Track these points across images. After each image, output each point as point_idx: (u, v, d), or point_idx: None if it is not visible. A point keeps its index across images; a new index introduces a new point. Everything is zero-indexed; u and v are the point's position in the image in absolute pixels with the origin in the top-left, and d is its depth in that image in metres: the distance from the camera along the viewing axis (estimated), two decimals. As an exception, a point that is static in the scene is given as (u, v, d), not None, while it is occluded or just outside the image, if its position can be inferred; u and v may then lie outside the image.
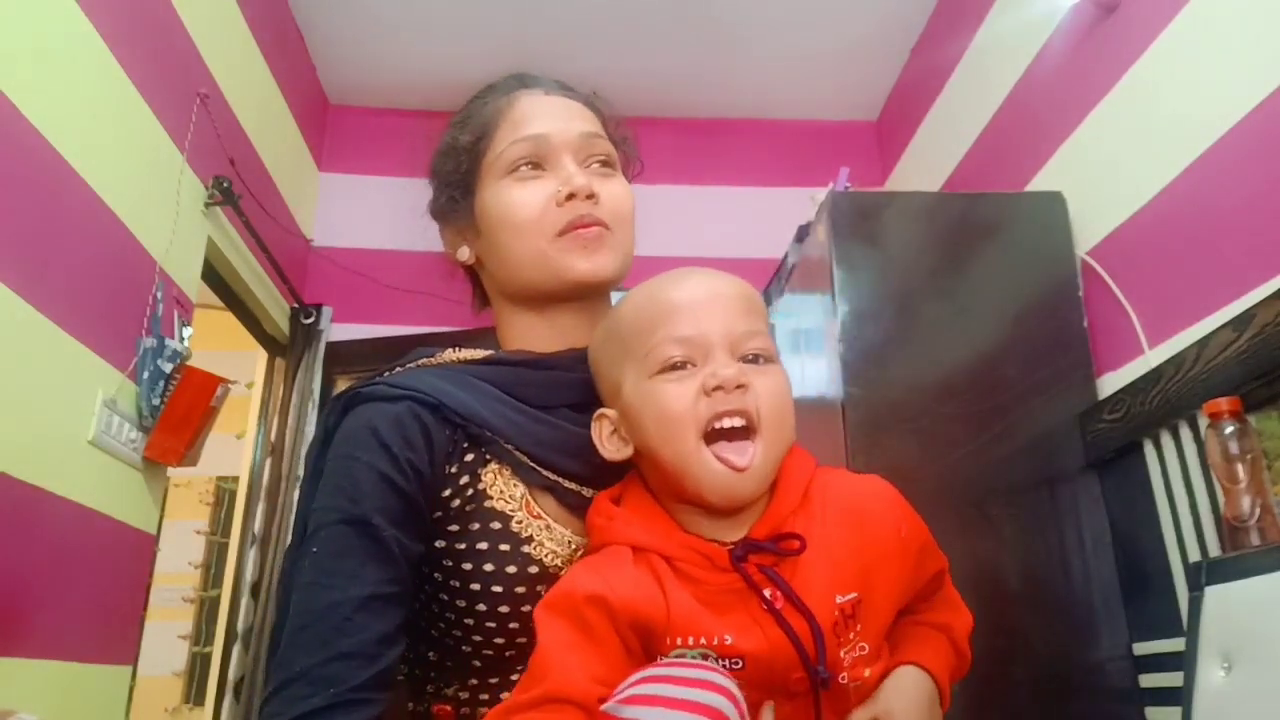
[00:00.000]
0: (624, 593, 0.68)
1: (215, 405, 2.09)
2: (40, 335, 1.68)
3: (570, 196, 0.85)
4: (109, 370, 1.92)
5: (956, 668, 0.81)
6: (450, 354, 0.89)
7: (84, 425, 1.83)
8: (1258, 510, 1.35)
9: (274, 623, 0.78)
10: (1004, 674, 1.79)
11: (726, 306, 0.75)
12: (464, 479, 0.80)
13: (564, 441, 0.82)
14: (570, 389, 0.85)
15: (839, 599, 0.70)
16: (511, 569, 0.77)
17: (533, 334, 0.90)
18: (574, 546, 0.79)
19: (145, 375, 2.01)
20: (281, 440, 3.04)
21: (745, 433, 0.71)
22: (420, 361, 0.88)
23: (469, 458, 0.80)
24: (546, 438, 0.82)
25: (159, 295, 2.11)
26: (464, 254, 0.94)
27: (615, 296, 0.90)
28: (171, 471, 2.26)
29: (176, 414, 2.03)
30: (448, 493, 0.79)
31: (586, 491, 0.81)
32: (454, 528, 0.78)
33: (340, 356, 3.19)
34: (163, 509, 2.26)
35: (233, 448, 3.42)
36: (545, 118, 0.89)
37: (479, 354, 0.89)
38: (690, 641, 0.67)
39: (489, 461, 0.80)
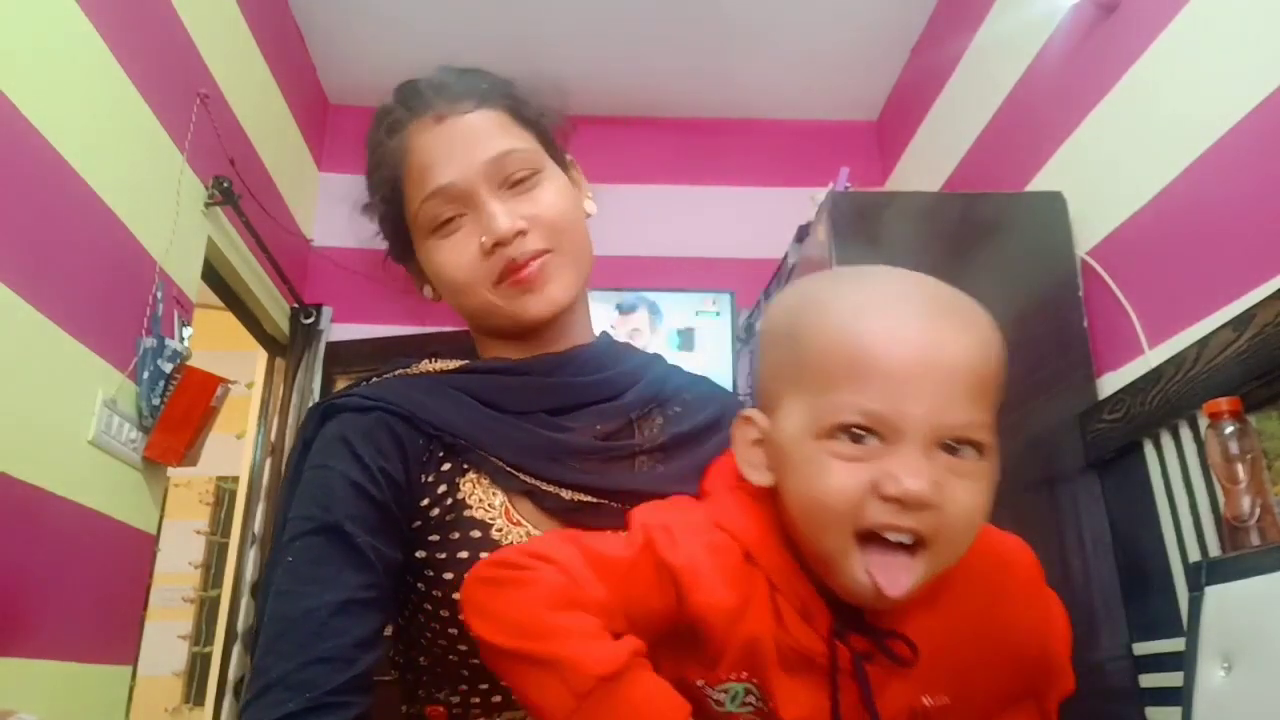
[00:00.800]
0: (708, 595, 0.59)
1: (215, 405, 2.09)
2: (40, 335, 1.68)
3: (497, 244, 0.81)
4: (109, 370, 1.92)
5: None
6: (426, 364, 0.89)
7: (84, 425, 1.83)
8: (1258, 510, 1.35)
9: (253, 629, 0.78)
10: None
11: (947, 384, 0.57)
12: (441, 488, 0.79)
13: (540, 446, 0.81)
14: (545, 394, 0.84)
15: (926, 701, 0.59)
16: None
17: (505, 350, 0.89)
18: None
19: (145, 375, 2.01)
20: (281, 440, 3.04)
21: (911, 548, 0.56)
22: (397, 372, 0.88)
23: (446, 467, 0.80)
24: (522, 442, 0.80)
25: (159, 295, 2.11)
26: (429, 293, 0.93)
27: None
28: (171, 471, 2.26)
29: (176, 414, 2.03)
30: (426, 502, 0.78)
31: (565, 494, 0.79)
32: (434, 537, 0.78)
33: (340, 356, 3.19)
34: (163, 509, 2.26)
35: (233, 448, 3.42)
36: (444, 159, 0.83)
37: (454, 364, 0.89)
38: (743, 676, 0.59)
39: (467, 470, 0.80)
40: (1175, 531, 1.70)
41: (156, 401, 2.02)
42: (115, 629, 2.00)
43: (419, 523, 0.78)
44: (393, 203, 0.88)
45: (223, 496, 4.40)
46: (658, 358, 0.96)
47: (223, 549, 4.20)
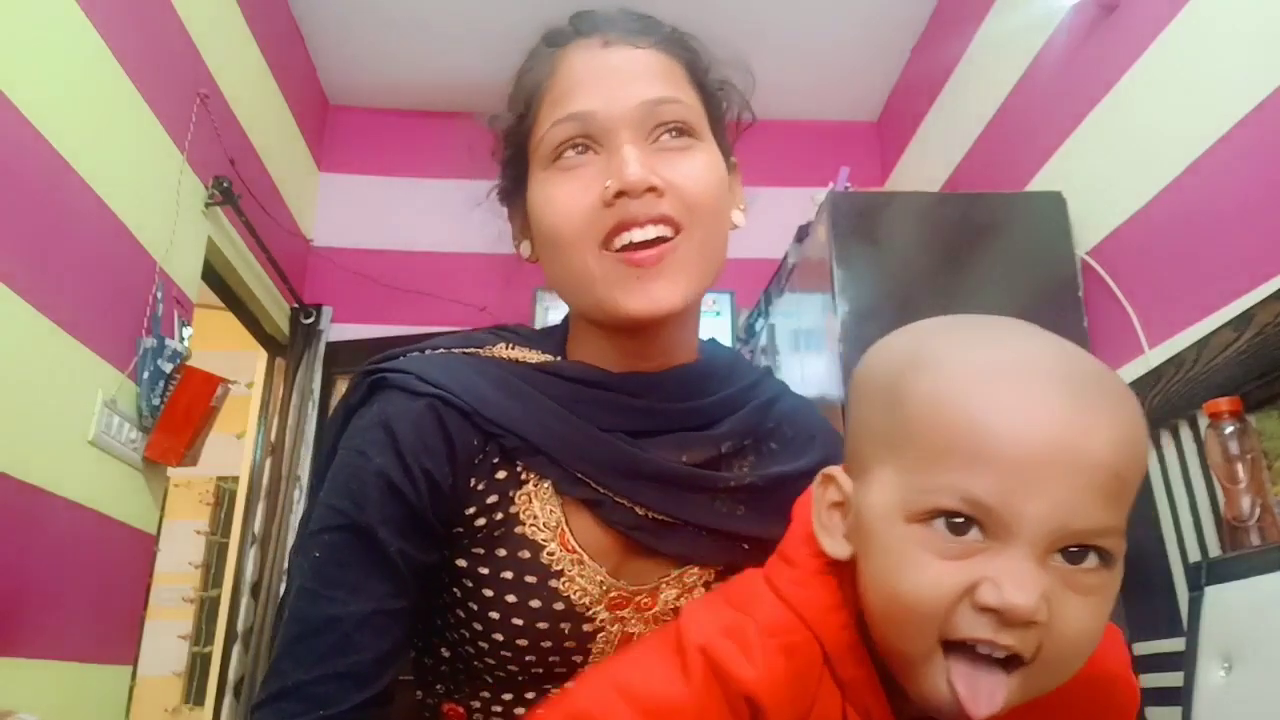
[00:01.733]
0: (790, 709, 0.52)
1: (215, 405, 2.09)
2: (40, 335, 1.68)
3: (620, 194, 0.67)
4: (109, 370, 1.92)
5: None
6: (503, 349, 0.77)
7: (84, 425, 1.83)
8: (1258, 510, 1.35)
9: (275, 619, 0.75)
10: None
11: (1081, 482, 0.46)
12: (493, 498, 0.71)
13: (616, 460, 0.71)
14: (628, 414, 0.73)
15: None
16: (535, 603, 0.70)
17: (596, 349, 0.76)
18: (605, 587, 0.71)
19: (145, 375, 2.01)
20: (281, 440, 3.04)
21: (1006, 663, 0.48)
22: (466, 350, 0.76)
23: (501, 475, 0.71)
24: (597, 453, 0.71)
25: (159, 295, 2.11)
26: (525, 250, 0.78)
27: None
28: (171, 471, 2.26)
29: (176, 414, 2.03)
30: (472, 510, 0.70)
31: (640, 509, 0.71)
32: (479, 550, 0.71)
33: (340, 356, 3.19)
34: (163, 509, 2.26)
35: (233, 448, 3.42)
36: (597, 85, 0.70)
37: (535, 357, 0.76)
38: None
39: (525, 483, 0.71)
40: (1175, 531, 1.70)
41: (156, 401, 2.02)
42: (115, 629, 2.00)
43: (460, 529, 0.71)
44: (523, 119, 0.75)
45: (223, 496, 4.39)
46: (765, 379, 0.85)
47: (223, 549, 4.20)
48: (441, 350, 0.75)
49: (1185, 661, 1.27)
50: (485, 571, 0.70)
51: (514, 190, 0.78)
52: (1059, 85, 2.23)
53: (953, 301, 2.02)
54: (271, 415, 3.14)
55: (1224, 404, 1.41)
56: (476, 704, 0.75)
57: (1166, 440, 1.73)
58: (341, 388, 3.21)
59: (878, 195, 2.51)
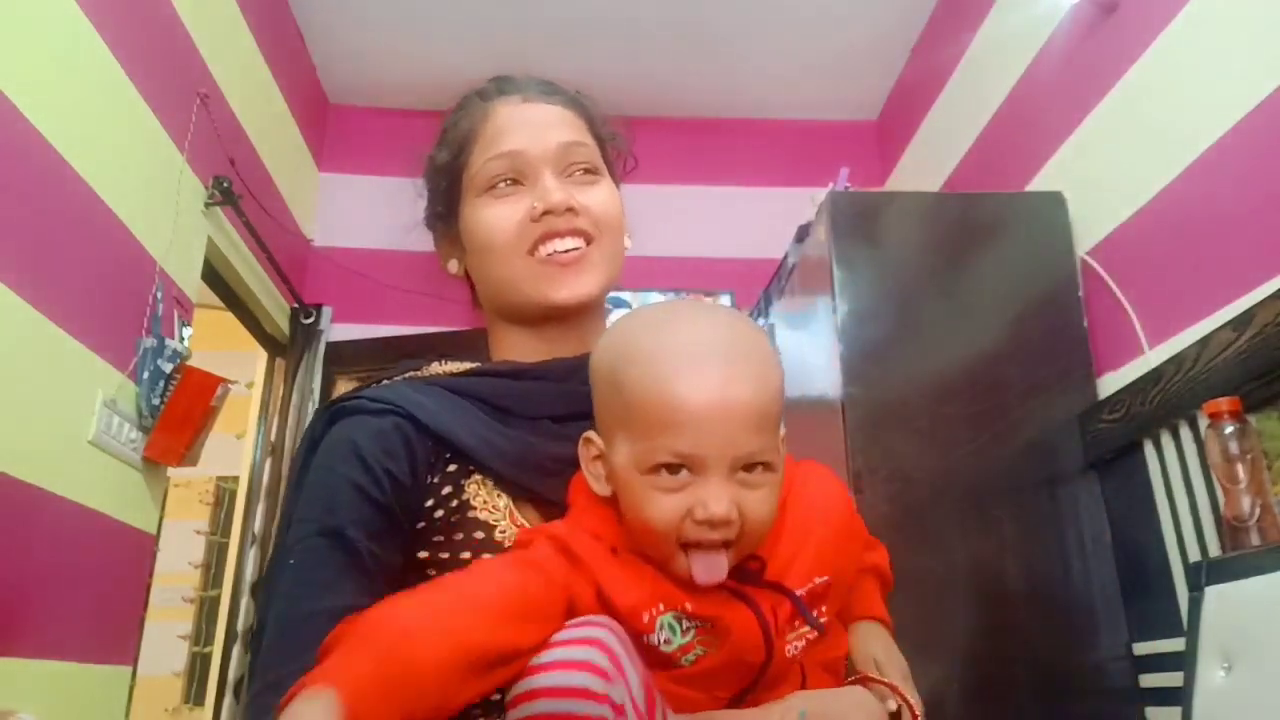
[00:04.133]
0: (609, 570, 0.70)
1: (215, 405, 2.09)
2: (40, 335, 1.68)
3: (546, 213, 0.84)
4: (109, 370, 1.92)
5: (887, 596, 0.88)
6: (436, 366, 0.89)
7: (84, 425, 1.83)
8: (1258, 510, 1.35)
9: (254, 628, 0.77)
10: (1004, 674, 1.80)
11: (738, 424, 0.69)
12: (446, 489, 0.79)
13: (538, 459, 0.81)
14: (554, 400, 0.84)
15: (816, 580, 0.73)
16: None
17: (520, 346, 0.89)
18: None
19: (145, 375, 2.01)
20: (281, 440, 3.05)
21: (723, 546, 0.69)
22: (406, 375, 0.88)
23: (452, 468, 0.80)
24: (522, 457, 0.81)
25: (159, 295, 2.11)
26: (454, 267, 0.94)
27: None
28: (171, 471, 2.26)
29: (176, 414, 2.03)
30: (430, 503, 0.79)
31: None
32: (438, 538, 0.78)
33: (340, 356, 3.19)
34: (163, 509, 2.26)
35: (233, 448, 3.42)
36: (521, 130, 0.88)
37: (463, 366, 0.89)
38: (660, 608, 0.69)
39: (472, 473, 0.80)
40: (1175, 531, 1.70)
41: (156, 401, 2.02)
42: (115, 629, 2.00)
43: (423, 524, 0.78)
44: (457, 157, 0.90)
45: (223, 496, 4.40)
46: None
47: (223, 549, 4.20)
48: (386, 381, 0.87)
49: (1185, 661, 1.27)
50: (446, 556, 0.77)
51: (446, 215, 0.92)
52: (1059, 85, 2.23)
53: (952, 301, 2.02)
54: (271, 415, 3.14)
55: (1224, 404, 1.41)
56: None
57: (1166, 440, 1.73)
58: (342, 387, 3.21)
59: (878, 195, 2.51)
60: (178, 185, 2.23)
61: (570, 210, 0.84)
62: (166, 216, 2.17)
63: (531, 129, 0.88)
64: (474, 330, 0.96)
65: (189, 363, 2.10)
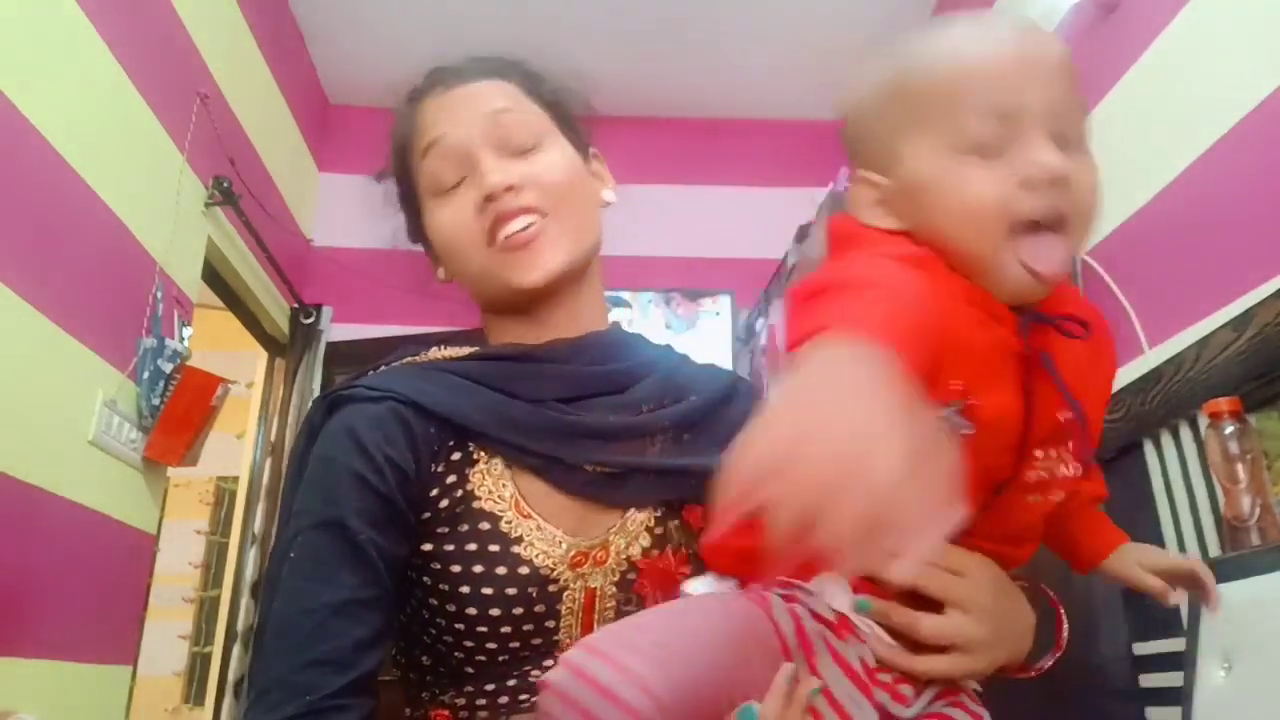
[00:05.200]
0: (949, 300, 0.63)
1: (215, 405, 2.09)
2: (40, 335, 1.68)
3: (488, 199, 0.81)
4: (109, 370, 1.92)
5: None
6: (436, 352, 0.87)
7: (84, 425, 1.83)
8: (1258, 510, 1.35)
9: (255, 627, 0.78)
10: (1004, 673, 1.79)
11: (1050, 64, 0.64)
12: (451, 479, 0.78)
13: (554, 428, 0.79)
14: (557, 382, 0.83)
15: (1061, 417, 0.66)
16: (501, 570, 0.75)
17: (516, 333, 0.87)
18: (565, 547, 0.77)
19: (145, 375, 2.01)
20: (281, 440, 3.04)
21: (1056, 227, 0.63)
22: (405, 361, 0.86)
23: (455, 456, 0.78)
24: (536, 424, 0.79)
25: (159, 295, 2.11)
26: (441, 274, 0.93)
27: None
28: (171, 471, 2.26)
29: (176, 414, 2.03)
30: (435, 493, 0.77)
31: (589, 467, 0.79)
32: (443, 529, 0.76)
33: (340, 356, 3.19)
34: (163, 509, 2.26)
35: (233, 448, 3.42)
36: (446, 118, 0.84)
37: (464, 351, 0.87)
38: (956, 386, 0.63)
39: (476, 460, 0.78)
40: (1175, 531, 1.70)
41: (156, 401, 2.02)
42: (115, 629, 2.00)
43: (428, 514, 0.77)
44: (405, 172, 0.88)
45: (223, 496, 4.39)
46: (669, 349, 0.95)
47: (223, 549, 4.20)
48: (384, 367, 0.85)
49: (1185, 661, 1.27)
50: (451, 548, 0.76)
51: (417, 228, 0.91)
52: (1059, 85, 2.23)
53: (953, 301, 2.02)
54: (271, 415, 3.14)
55: (1224, 404, 1.41)
56: (461, 701, 0.77)
57: (1166, 440, 1.73)
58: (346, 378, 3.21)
59: (878, 195, 2.50)
60: (178, 185, 2.23)
61: (510, 189, 0.81)
62: (166, 216, 2.17)
63: (455, 113, 0.85)
64: (475, 330, 0.96)
65: (189, 363, 2.09)
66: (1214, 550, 1.58)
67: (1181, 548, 1.68)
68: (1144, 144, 1.88)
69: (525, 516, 0.77)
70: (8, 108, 1.58)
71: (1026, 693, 1.89)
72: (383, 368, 0.85)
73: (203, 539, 4.36)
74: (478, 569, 0.75)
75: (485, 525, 0.76)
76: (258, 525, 3.00)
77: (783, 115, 3.65)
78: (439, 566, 0.76)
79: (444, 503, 0.77)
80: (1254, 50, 1.58)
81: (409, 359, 0.86)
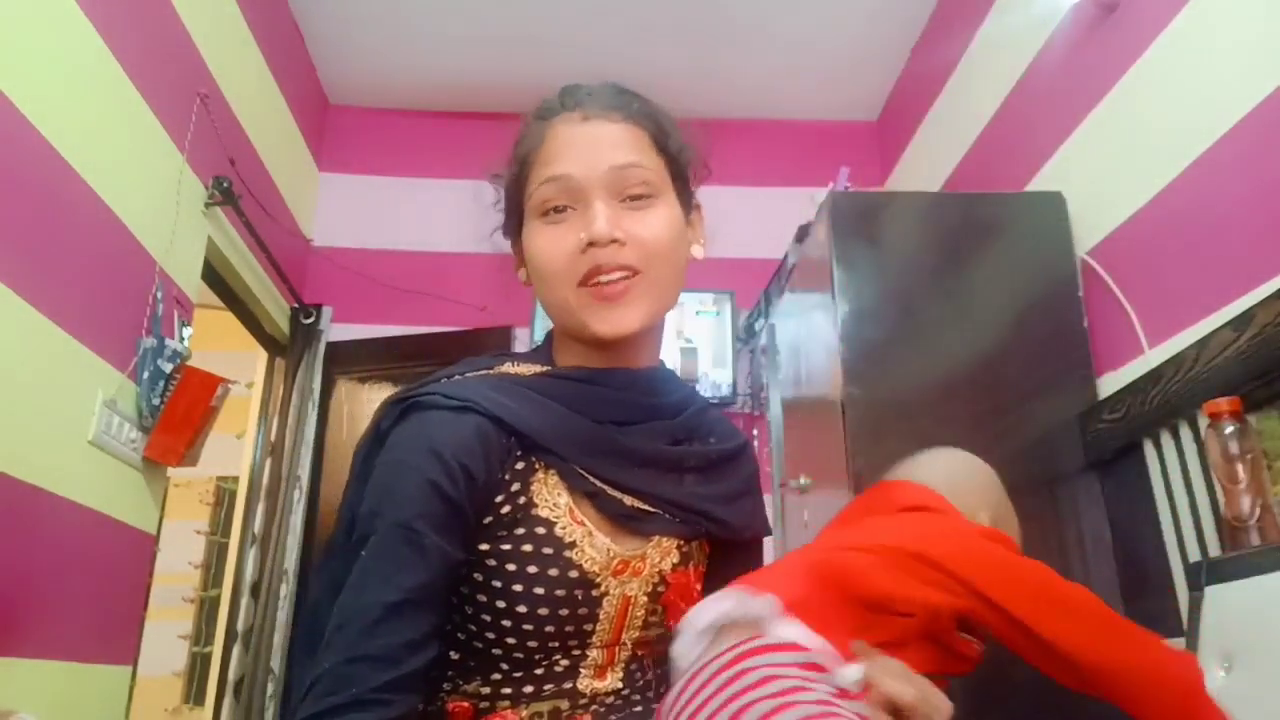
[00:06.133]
0: None
1: (215, 405, 2.09)
2: (40, 335, 1.69)
3: (591, 244, 0.83)
4: (109, 370, 1.92)
5: None
6: (508, 366, 0.91)
7: (84, 425, 1.83)
8: (1258, 510, 1.35)
9: (252, 628, 0.81)
10: (1003, 674, 1.79)
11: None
12: (515, 486, 0.82)
13: (610, 450, 0.86)
14: (617, 406, 0.89)
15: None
16: (554, 572, 0.81)
17: (581, 356, 0.91)
18: (611, 554, 0.84)
19: (145, 375, 2.01)
20: (281, 440, 3.04)
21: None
22: (480, 372, 0.90)
23: (519, 466, 0.83)
24: (595, 446, 0.85)
25: (159, 295, 2.11)
26: (522, 276, 0.94)
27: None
28: (171, 471, 2.26)
29: (176, 414, 2.03)
30: (499, 499, 0.81)
31: (626, 500, 0.86)
32: (502, 533, 0.81)
33: (340, 356, 3.19)
34: (163, 509, 2.26)
35: (233, 448, 3.42)
36: (574, 153, 0.87)
37: (533, 368, 0.91)
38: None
39: (537, 471, 0.83)
40: (1175, 531, 1.70)
41: (156, 401, 2.02)
42: (115, 629, 2.00)
43: (490, 519, 0.81)
44: (519, 176, 0.91)
45: (223, 496, 4.40)
46: (695, 392, 1.03)
47: (223, 549, 4.20)
48: (458, 376, 0.89)
49: (1185, 661, 1.27)
50: (508, 548, 0.80)
51: (512, 229, 0.94)
52: (1059, 85, 2.23)
53: (952, 301, 2.02)
54: (271, 415, 3.14)
55: (1224, 404, 1.41)
56: (486, 690, 0.82)
57: (1166, 440, 1.73)
58: (341, 387, 3.22)
59: (878, 195, 2.51)
60: (178, 185, 2.23)
61: (615, 242, 0.84)
62: (166, 216, 2.17)
63: (585, 151, 0.87)
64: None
65: (189, 363, 2.10)
66: (1214, 550, 1.58)
67: (1181, 548, 1.68)
68: (1144, 144, 1.88)
69: (578, 524, 0.83)
70: (8, 108, 1.58)
71: (1027, 692, 1.89)
72: (456, 376, 0.88)
73: (203, 539, 4.36)
74: (532, 569, 0.80)
75: (541, 530, 0.82)
76: (258, 525, 3.00)
77: (783, 115, 3.65)
78: (494, 564, 0.80)
79: (506, 508, 0.81)
80: (1254, 50, 1.58)
81: (482, 371, 0.90)
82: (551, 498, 0.83)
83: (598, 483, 0.85)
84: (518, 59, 3.21)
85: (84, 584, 1.85)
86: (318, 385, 3.12)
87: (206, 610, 4.19)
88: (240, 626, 2.90)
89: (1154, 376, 1.72)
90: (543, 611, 0.80)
